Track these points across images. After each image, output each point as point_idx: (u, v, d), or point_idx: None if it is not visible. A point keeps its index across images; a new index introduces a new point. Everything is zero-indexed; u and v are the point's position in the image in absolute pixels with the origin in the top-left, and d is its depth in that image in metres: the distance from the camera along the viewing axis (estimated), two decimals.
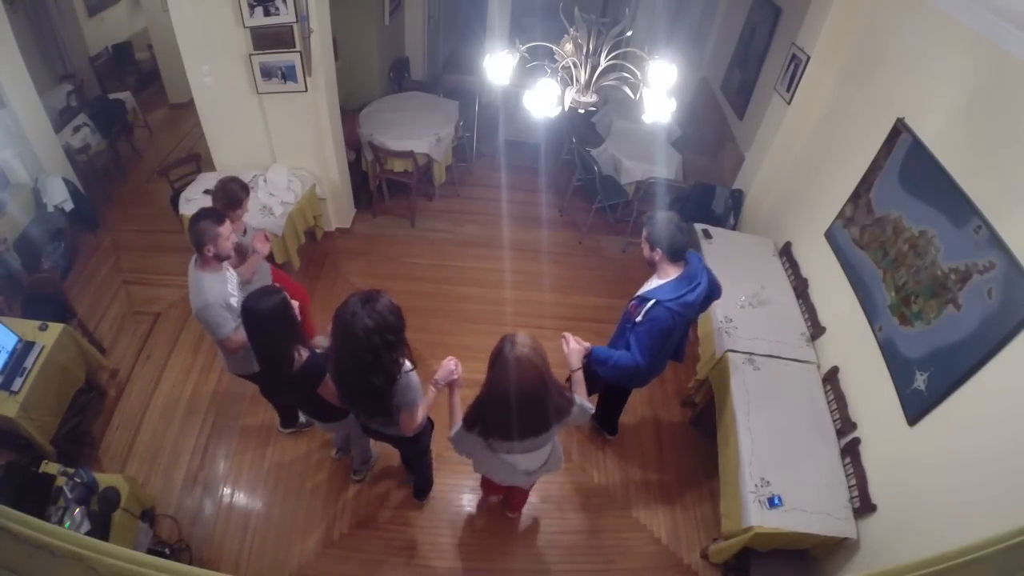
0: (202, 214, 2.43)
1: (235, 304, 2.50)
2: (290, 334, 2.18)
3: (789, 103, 3.84)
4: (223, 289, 2.48)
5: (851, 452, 2.77)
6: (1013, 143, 2.22)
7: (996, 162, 2.31)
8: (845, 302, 3.13)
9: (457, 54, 8.05)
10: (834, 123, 3.60)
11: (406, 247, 4.77)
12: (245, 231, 2.97)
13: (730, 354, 3.18)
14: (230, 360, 2.71)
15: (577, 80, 2.27)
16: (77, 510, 2.36)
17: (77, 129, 4.96)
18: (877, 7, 3.24)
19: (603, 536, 3.08)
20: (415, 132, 4.80)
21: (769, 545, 2.65)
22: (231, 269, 2.64)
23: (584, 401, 2.15)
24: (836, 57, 3.56)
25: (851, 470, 2.73)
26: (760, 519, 2.53)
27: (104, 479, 2.53)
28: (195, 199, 3.97)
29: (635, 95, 2.29)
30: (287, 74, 3.77)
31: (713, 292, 2.62)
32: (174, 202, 4.23)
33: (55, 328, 3.06)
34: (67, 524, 2.31)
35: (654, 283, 2.52)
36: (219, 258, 2.46)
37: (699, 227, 4.05)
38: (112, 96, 5.64)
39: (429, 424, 2.67)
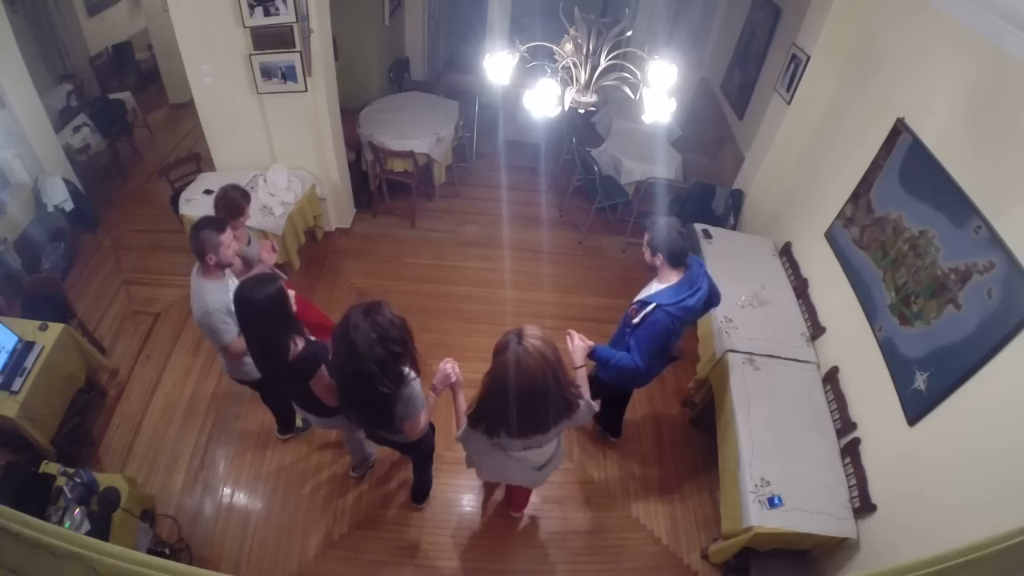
0: (203, 223, 2.43)
1: None
2: (286, 324, 2.14)
3: (789, 103, 3.84)
4: (224, 297, 2.47)
5: (851, 452, 2.77)
6: (1013, 143, 2.22)
7: (996, 162, 2.31)
8: (845, 302, 3.13)
9: (457, 54, 8.05)
10: (834, 123, 3.60)
11: (406, 247, 4.77)
12: (249, 241, 2.97)
13: (730, 354, 3.18)
14: (231, 366, 2.71)
15: (577, 80, 2.27)
16: (77, 510, 2.36)
17: (77, 129, 4.96)
18: (877, 7, 3.24)
19: (603, 536, 3.08)
20: (415, 132, 4.80)
21: (769, 545, 2.65)
22: (234, 277, 2.63)
23: (589, 399, 2.16)
24: (836, 57, 3.56)
25: (851, 470, 2.73)
26: (760, 519, 2.53)
27: (104, 479, 2.53)
28: (195, 199, 3.97)
29: (635, 95, 2.29)
30: (287, 74, 3.77)
31: (712, 299, 2.63)
32: (174, 202, 4.23)
33: (55, 328, 3.06)
34: (67, 524, 2.32)
35: (654, 287, 2.53)
36: (221, 266, 2.47)
37: (699, 227, 4.05)
38: (112, 96, 5.64)
39: (431, 427, 2.67)
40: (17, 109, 4.17)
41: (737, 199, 4.54)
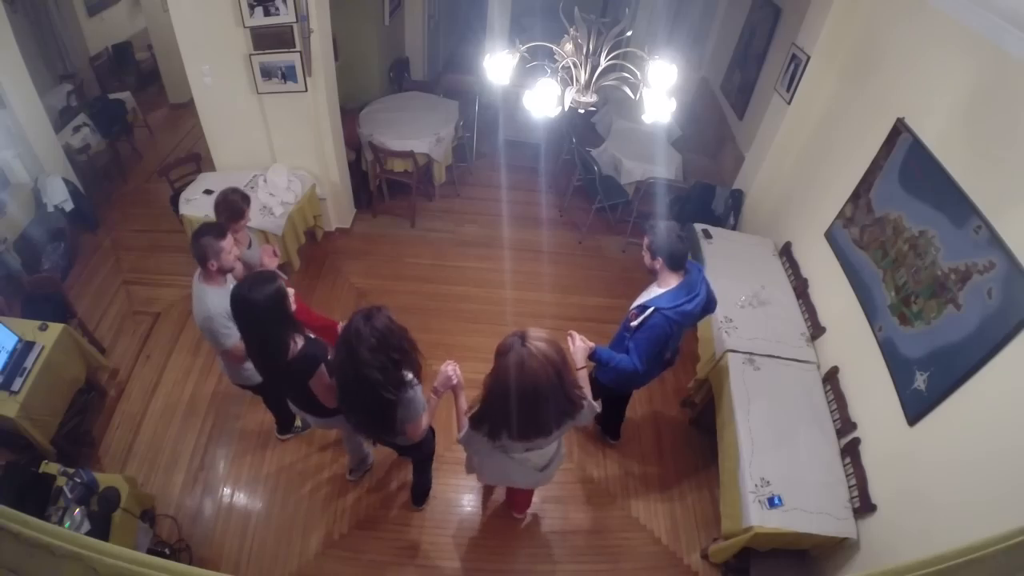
0: (203, 230, 2.44)
1: None
2: (285, 322, 2.13)
3: (789, 103, 3.84)
4: (226, 302, 2.46)
5: (851, 452, 2.77)
6: (1013, 143, 2.22)
7: (996, 162, 2.31)
8: (845, 302, 3.13)
9: (457, 54, 8.05)
10: (834, 123, 3.60)
11: (406, 247, 4.77)
12: (250, 244, 2.97)
13: (730, 354, 3.18)
14: (232, 370, 2.71)
15: (577, 80, 2.27)
16: (77, 510, 2.36)
17: (77, 129, 4.96)
18: (877, 7, 3.24)
19: (603, 536, 3.08)
20: (415, 132, 4.80)
21: (769, 545, 2.65)
22: (235, 282, 2.63)
23: (590, 399, 2.17)
24: (836, 57, 3.56)
25: (851, 470, 2.73)
26: (760, 519, 2.53)
27: (104, 479, 2.53)
28: (195, 199, 3.97)
29: (635, 95, 2.29)
30: (287, 74, 3.77)
31: (709, 306, 2.64)
32: (174, 202, 4.23)
33: (55, 328, 3.06)
34: (67, 524, 2.32)
35: (654, 291, 2.55)
36: (222, 271, 2.48)
37: (699, 227, 4.05)
38: (112, 96, 5.64)
39: (431, 430, 2.67)
40: (17, 109, 4.17)
41: (737, 199, 4.54)
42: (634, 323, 2.48)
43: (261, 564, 2.85)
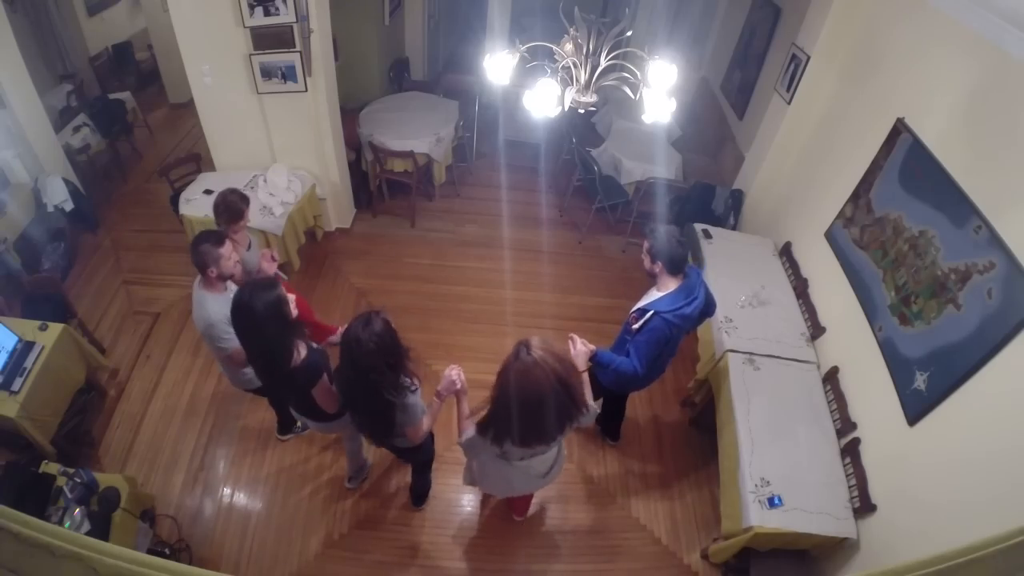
0: (202, 237, 2.44)
1: None
2: (287, 329, 2.12)
3: (789, 103, 3.84)
4: (226, 308, 2.46)
5: (851, 452, 2.77)
6: (1013, 143, 2.22)
7: (996, 162, 2.31)
8: (845, 302, 3.13)
9: (457, 54, 8.05)
10: (834, 123, 3.60)
11: (406, 247, 4.77)
12: (250, 245, 2.97)
13: (730, 354, 3.18)
14: (232, 375, 2.71)
15: (577, 80, 2.27)
16: (77, 510, 2.36)
17: (77, 129, 4.96)
18: (877, 7, 3.24)
19: (604, 536, 3.08)
20: (415, 132, 4.80)
21: (769, 545, 2.65)
22: (235, 288, 2.63)
23: (591, 402, 2.18)
24: (836, 57, 3.56)
25: (851, 470, 2.73)
26: (760, 519, 2.53)
27: (104, 479, 2.53)
28: (195, 199, 3.97)
29: (635, 95, 2.29)
30: (287, 74, 3.77)
31: (708, 309, 2.66)
32: (174, 202, 4.23)
33: (55, 328, 3.06)
34: (67, 524, 2.31)
35: (653, 295, 2.57)
36: (222, 278, 2.49)
37: (699, 227, 4.05)
38: (112, 96, 5.64)
39: (430, 435, 2.67)
40: (17, 109, 4.17)
41: (737, 199, 4.54)
42: (635, 326, 2.51)
43: (261, 564, 2.85)
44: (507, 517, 3.09)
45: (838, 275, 3.25)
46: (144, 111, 6.06)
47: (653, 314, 2.45)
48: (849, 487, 2.69)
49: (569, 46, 2.27)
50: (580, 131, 5.51)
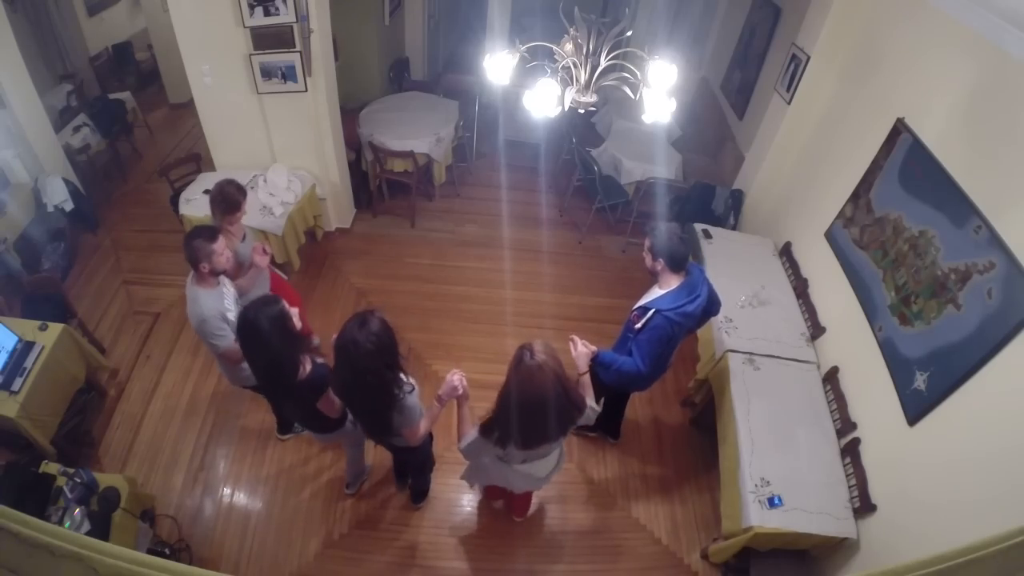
0: (195, 233, 2.43)
1: (232, 317, 2.50)
2: (292, 344, 2.14)
3: (789, 103, 3.84)
4: (219, 304, 2.48)
5: (851, 452, 2.77)
6: (1013, 143, 2.22)
7: (996, 162, 2.31)
8: (845, 302, 3.13)
9: (457, 54, 8.05)
10: (834, 123, 3.60)
11: (406, 247, 4.77)
12: (244, 237, 2.96)
13: (730, 354, 3.18)
14: (229, 372, 2.71)
15: (577, 80, 2.27)
16: (77, 510, 2.36)
17: (77, 129, 4.96)
18: (877, 7, 3.24)
19: (603, 536, 3.08)
20: (415, 132, 4.80)
21: (769, 545, 2.65)
22: (228, 283, 2.63)
23: (592, 403, 2.19)
24: (836, 57, 3.56)
25: (851, 470, 2.73)
26: (760, 519, 2.53)
27: (104, 479, 2.53)
28: (195, 199, 3.97)
29: (635, 95, 2.29)
30: (287, 74, 3.77)
31: (712, 307, 2.65)
32: (174, 202, 4.23)
33: (55, 328, 3.06)
34: (67, 524, 2.31)
35: (655, 293, 2.56)
36: (214, 273, 2.47)
37: (699, 227, 4.05)
38: (112, 96, 5.64)
39: (429, 437, 2.68)
40: (17, 109, 4.17)
41: (737, 199, 4.54)
42: (637, 325, 2.50)
43: (261, 564, 2.85)
44: (507, 517, 3.09)
45: (838, 275, 3.25)
46: (144, 111, 6.06)
47: (655, 312, 2.44)
48: (849, 487, 2.69)
49: (569, 46, 2.27)
50: (580, 131, 5.51)
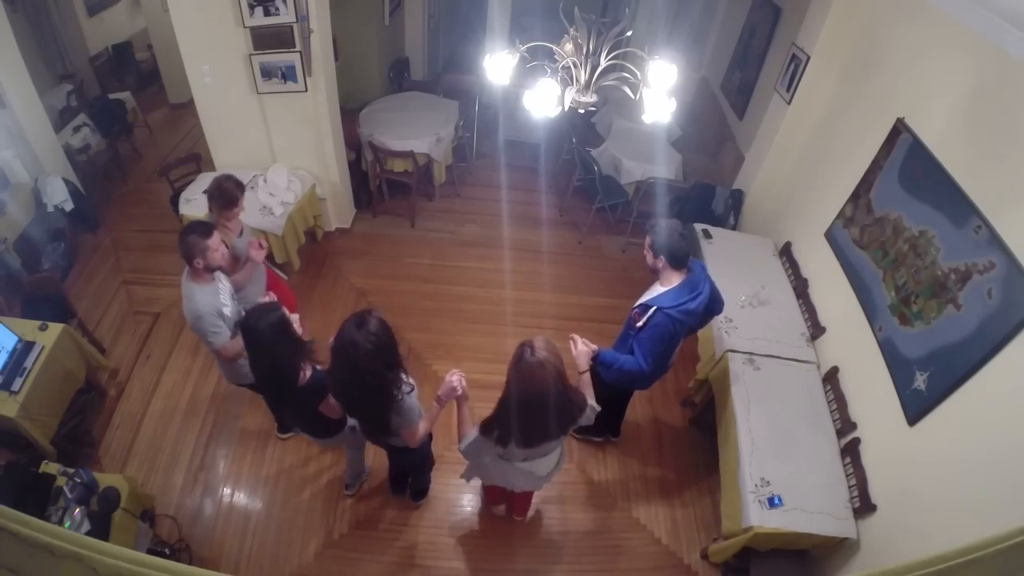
0: (190, 228, 2.42)
1: (228, 313, 2.50)
2: (292, 351, 2.16)
3: (789, 103, 3.84)
4: (215, 300, 2.47)
5: (851, 452, 2.77)
6: (1013, 143, 2.22)
7: (996, 162, 2.31)
8: (845, 302, 3.13)
9: (457, 54, 8.05)
10: (834, 123, 3.60)
11: (406, 247, 4.77)
12: (242, 231, 2.96)
13: (730, 354, 3.18)
14: (227, 370, 2.70)
15: (577, 80, 2.27)
16: (77, 510, 2.36)
17: (77, 129, 4.96)
18: (877, 7, 3.24)
19: (603, 536, 3.08)
20: (415, 132, 4.80)
21: (769, 545, 2.65)
22: (224, 279, 2.63)
23: (592, 402, 2.18)
24: (836, 57, 3.56)
25: (851, 470, 2.73)
26: (760, 519, 2.53)
27: (104, 479, 2.53)
28: (195, 199, 3.97)
29: (635, 95, 2.29)
30: (287, 74, 3.77)
31: (715, 306, 2.63)
32: (174, 202, 4.23)
33: (55, 328, 3.06)
34: (67, 524, 2.31)
35: (656, 290, 2.54)
36: (209, 269, 2.45)
37: (699, 227, 4.06)
38: (112, 96, 5.63)
39: (428, 437, 2.67)
40: (17, 109, 4.17)
41: (737, 199, 4.54)
42: (639, 323, 2.47)
43: (261, 564, 2.85)
44: (507, 517, 3.09)
45: (838, 275, 3.25)
46: (144, 111, 6.05)
47: (656, 310, 2.42)
48: (849, 487, 2.69)
49: (569, 46, 2.27)
50: (580, 131, 5.51)
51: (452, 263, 4.66)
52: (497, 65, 2.28)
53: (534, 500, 3.10)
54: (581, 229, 5.06)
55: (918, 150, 2.75)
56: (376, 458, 3.24)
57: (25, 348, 2.92)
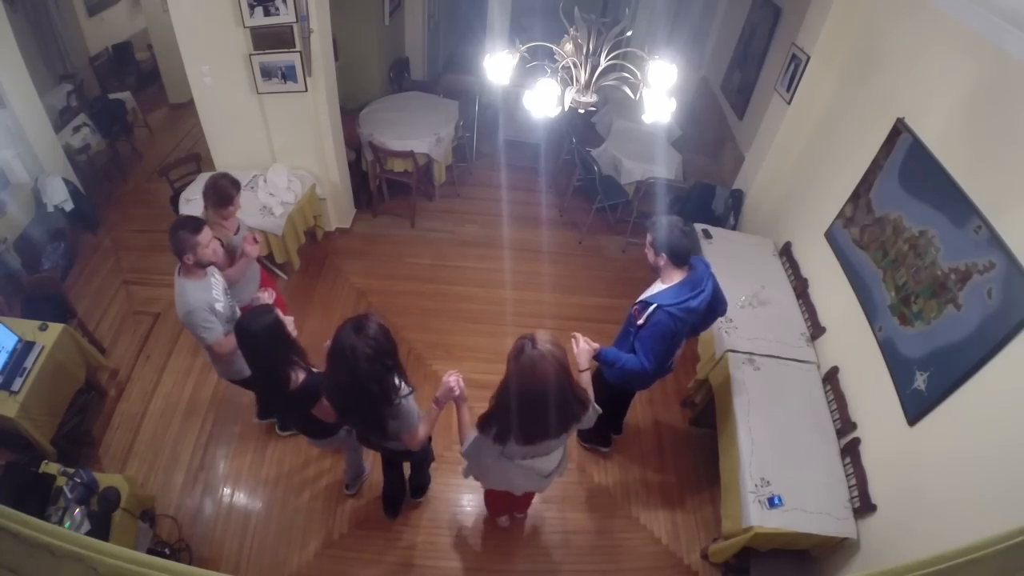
0: (179, 224, 2.41)
1: (220, 308, 2.49)
2: (285, 354, 2.16)
3: (789, 103, 3.84)
4: (207, 295, 2.46)
5: (851, 452, 2.77)
6: (1013, 143, 2.22)
7: (996, 162, 2.31)
8: (845, 302, 3.13)
9: (457, 54, 8.05)
10: (834, 123, 3.60)
11: (406, 247, 4.77)
12: (238, 229, 2.95)
13: (730, 354, 3.18)
14: (220, 365, 2.69)
15: (577, 80, 2.27)
16: (77, 510, 2.36)
17: (77, 129, 4.96)
18: (877, 7, 3.24)
19: (603, 536, 3.08)
20: (415, 132, 4.80)
21: (769, 545, 2.65)
22: (217, 274, 2.62)
23: (594, 402, 2.15)
24: (836, 57, 3.56)
25: (851, 470, 2.73)
26: (760, 519, 2.53)
27: (104, 479, 2.53)
28: (195, 199, 3.96)
29: (635, 95, 2.29)
30: (287, 74, 3.77)
31: (717, 306, 2.61)
32: (174, 202, 4.23)
33: (55, 328, 3.06)
34: (67, 524, 2.31)
35: (657, 287, 2.52)
36: (200, 265, 2.45)
37: (699, 227, 4.05)
38: (112, 96, 5.63)
39: (428, 439, 2.67)
40: (17, 109, 4.17)
41: (737, 199, 4.54)
42: (639, 321, 2.45)
43: (261, 564, 2.85)
44: (507, 516, 3.08)
45: (838, 275, 3.25)
46: (144, 111, 6.05)
47: (657, 308, 2.40)
48: (849, 487, 2.69)
49: (569, 46, 2.27)
50: (580, 131, 5.51)
51: (452, 263, 4.66)
52: (497, 65, 2.28)
53: (535, 500, 3.10)
54: (581, 229, 5.06)
55: (918, 150, 2.75)
56: (376, 459, 3.24)
57: (25, 348, 2.92)
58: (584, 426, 2.16)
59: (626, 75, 2.29)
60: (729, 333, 3.27)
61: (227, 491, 3.12)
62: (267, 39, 3.59)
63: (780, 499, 2.58)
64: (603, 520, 3.15)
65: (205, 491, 3.10)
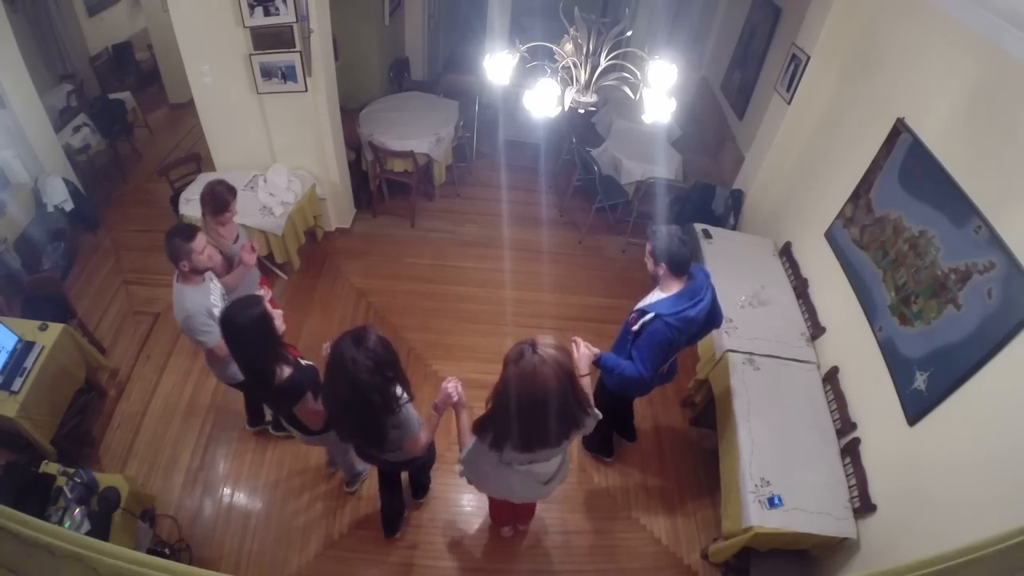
0: (174, 231, 2.42)
1: (218, 313, 2.48)
2: (270, 348, 2.11)
3: (789, 103, 3.84)
4: (204, 299, 2.47)
5: (851, 452, 2.77)
6: (1013, 143, 2.22)
7: (996, 162, 2.31)
8: (845, 302, 3.13)
9: (457, 54, 8.05)
10: (834, 123, 3.60)
11: (406, 247, 4.77)
12: (237, 238, 2.95)
13: (730, 354, 3.18)
14: (218, 369, 2.69)
15: (577, 80, 2.27)
16: (77, 510, 2.36)
17: (77, 129, 4.96)
18: (877, 7, 3.24)
19: (603, 537, 3.08)
20: (415, 132, 4.80)
21: (769, 545, 2.65)
22: (215, 279, 2.62)
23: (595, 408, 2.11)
24: (836, 57, 3.56)
25: (851, 470, 2.73)
26: (760, 519, 2.53)
27: (104, 479, 2.53)
28: (195, 199, 3.93)
29: (635, 95, 2.29)
30: (287, 74, 3.77)
31: (715, 318, 2.59)
32: (174, 202, 4.23)
33: (55, 328, 3.06)
34: (67, 524, 2.32)
35: (655, 296, 2.51)
36: (195, 271, 2.45)
37: (699, 227, 4.05)
38: (112, 96, 5.64)
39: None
40: (17, 109, 4.17)
41: (737, 199, 4.54)
42: (635, 328, 2.44)
43: (261, 564, 2.85)
44: (516, 528, 3.07)
45: (838, 275, 3.25)
46: (144, 111, 6.05)
47: (654, 316, 2.39)
48: (849, 487, 2.69)
49: (569, 46, 2.27)
50: (580, 131, 5.51)
51: (452, 263, 4.66)
52: (497, 65, 2.28)
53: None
54: (581, 229, 5.06)
55: (918, 150, 2.75)
56: (372, 473, 3.22)
57: (25, 348, 2.92)
58: (586, 431, 2.12)
59: (626, 75, 2.29)
60: (729, 333, 3.27)
61: (227, 491, 3.12)
62: (267, 39, 3.60)
63: (780, 499, 2.58)
64: (603, 521, 3.15)
65: (205, 491, 3.10)
